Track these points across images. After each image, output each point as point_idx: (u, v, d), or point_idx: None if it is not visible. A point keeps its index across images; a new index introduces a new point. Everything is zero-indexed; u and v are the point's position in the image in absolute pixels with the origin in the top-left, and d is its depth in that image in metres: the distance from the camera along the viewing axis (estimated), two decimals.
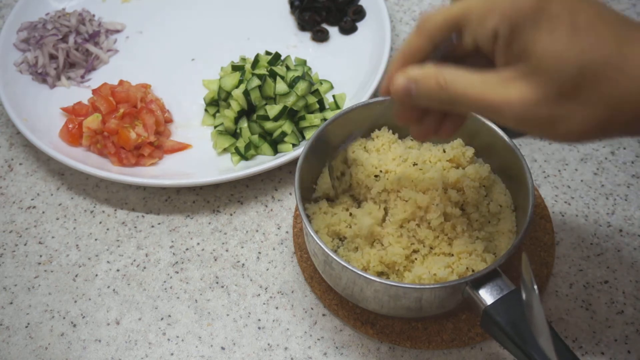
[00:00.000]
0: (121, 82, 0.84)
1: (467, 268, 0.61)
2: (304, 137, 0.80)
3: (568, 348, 0.53)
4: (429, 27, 0.46)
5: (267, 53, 0.86)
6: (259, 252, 0.73)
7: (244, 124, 0.80)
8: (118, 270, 0.72)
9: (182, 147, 0.81)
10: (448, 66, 0.46)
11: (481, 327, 0.57)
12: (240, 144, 0.79)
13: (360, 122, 0.70)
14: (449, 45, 0.48)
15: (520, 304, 0.52)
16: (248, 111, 0.80)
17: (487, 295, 0.55)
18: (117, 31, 0.94)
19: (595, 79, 0.41)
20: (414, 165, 0.67)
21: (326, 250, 0.58)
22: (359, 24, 0.93)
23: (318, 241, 0.59)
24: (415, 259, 0.63)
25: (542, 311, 0.49)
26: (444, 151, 0.69)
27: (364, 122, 0.67)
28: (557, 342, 0.52)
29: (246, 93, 0.78)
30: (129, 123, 0.79)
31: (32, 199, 0.78)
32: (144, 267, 0.72)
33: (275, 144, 0.79)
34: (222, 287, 0.70)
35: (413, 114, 0.51)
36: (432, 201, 0.63)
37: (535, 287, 0.49)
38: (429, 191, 0.64)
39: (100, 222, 0.76)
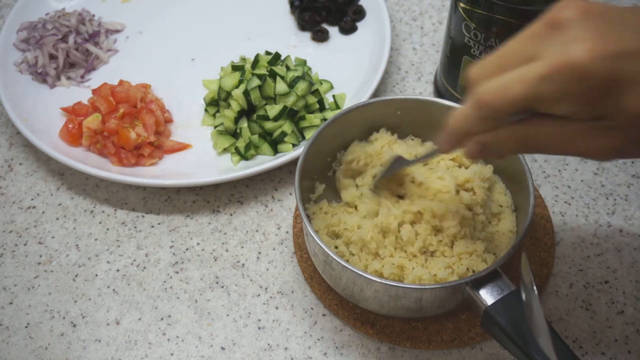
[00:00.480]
0: (121, 82, 0.84)
1: (467, 269, 0.61)
2: (304, 137, 0.80)
3: (568, 348, 0.52)
4: (494, 115, 0.44)
5: (267, 53, 0.86)
6: (259, 252, 0.73)
7: (244, 124, 0.80)
8: (118, 270, 0.72)
9: (182, 147, 0.81)
10: (520, 124, 0.45)
11: (481, 327, 0.57)
12: (240, 144, 0.79)
13: (360, 122, 0.70)
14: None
15: (520, 305, 0.52)
16: (248, 111, 0.80)
17: (487, 296, 0.55)
18: (117, 31, 0.94)
19: None
20: (424, 165, 0.66)
21: (326, 250, 0.58)
22: (359, 24, 0.93)
23: (318, 241, 0.59)
24: (416, 263, 0.63)
25: (542, 311, 0.49)
26: None
27: (365, 123, 0.67)
28: (557, 342, 0.52)
29: (246, 93, 0.78)
30: (129, 123, 0.79)
31: (32, 199, 0.78)
32: (144, 267, 0.72)
33: (275, 144, 0.79)
34: (222, 287, 0.70)
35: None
36: (448, 209, 0.62)
37: (535, 287, 0.49)
38: (440, 193, 0.63)
39: (100, 222, 0.76)
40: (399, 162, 0.64)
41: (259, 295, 0.70)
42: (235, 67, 0.82)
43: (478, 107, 0.44)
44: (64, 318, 0.69)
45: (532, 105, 0.42)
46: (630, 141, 0.43)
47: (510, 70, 0.43)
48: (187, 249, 0.73)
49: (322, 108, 0.82)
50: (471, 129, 0.46)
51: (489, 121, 0.45)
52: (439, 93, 0.84)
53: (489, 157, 0.49)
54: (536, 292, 0.49)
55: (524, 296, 0.51)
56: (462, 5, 0.70)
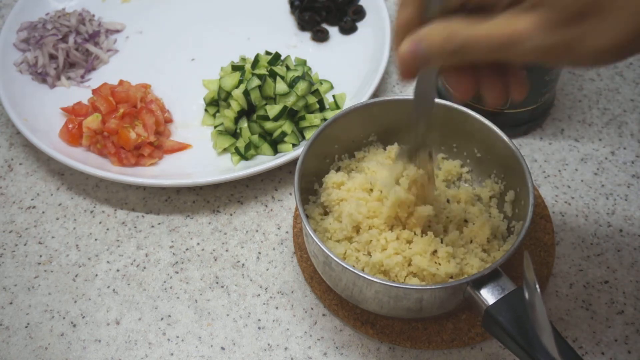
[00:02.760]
0: (121, 82, 0.84)
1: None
2: (304, 137, 0.80)
3: (570, 347, 0.52)
4: (470, 53, 0.44)
5: (267, 53, 0.86)
6: (259, 252, 0.73)
7: (244, 124, 0.80)
8: (118, 270, 0.72)
9: (182, 147, 0.81)
10: (450, 18, 0.45)
11: (483, 327, 0.57)
12: (240, 144, 0.79)
13: (360, 122, 0.70)
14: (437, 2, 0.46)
15: (522, 304, 0.52)
16: (248, 111, 0.80)
17: (488, 295, 0.55)
18: (117, 31, 0.94)
19: None
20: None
21: (326, 251, 0.58)
22: (359, 24, 0.93)
23: (318, 242, 0.59)
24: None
25: (545, 310, 0.49)
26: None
27: (365, 123, 0.67)
28: (559, 340, 0.52)
29: (246, 93, 0.78)
30: (129, 123, 0.79)
31: (32, 199, 0.78)
32: (144, 267, 0.72)
33: (275, 144, 0.79)
34: (222, 287, 0.70)
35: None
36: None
37: (537, 286, 0.49)
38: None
39: (100, 222, 0.76)
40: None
41: (259, 295, 0.70)
42: (235, 67, 0.82)
43: None
44: (64, 318, 0.69)
45: None
46: (550, 19, 0.40)
47: None
48: (187, 249, 0.73)
49: (322, 108, 0.82)
50: (398, 21, 0.47)
51: (407, 4, 0.46)
52: (438, 93, 0.84)
53: (422, 65, 0.47)
54: (539, 290, 0.49)
55: (526, 295, 0.51)
56: None
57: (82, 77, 0.88)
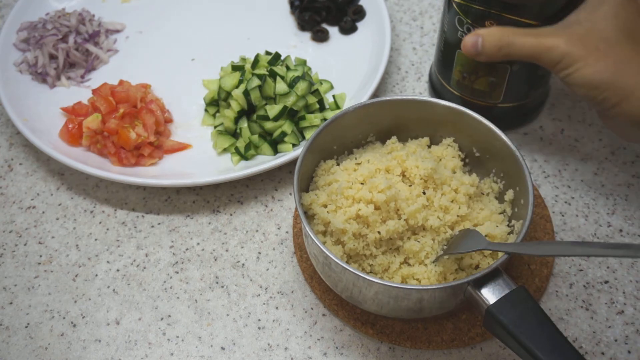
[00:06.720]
0: (121, 82, 0.84)
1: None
2: (304, 137, 0.80)
3: (572, 346, 0.52)
4: (512, 53, 0.66)
5: (267, 53, 0.86)
6: (259, 252, 0.73)
7: (244, 124, 0.80)
8: (118, 270, 0.72)
9: (182, 147, 0.81)
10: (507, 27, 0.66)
11: (484, 326, 0.57)
12: (240, 144, 0.79)
13: (360, 122, 0.70)
14: None
15: (523, 302, 0.52)
16: (248, 111, 0.80)
17: (489, 295, 0.55)
18: (117, 31, 0.94)
19: None
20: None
21: (326, 251, 0.58)
22: (359, 24, 0.93)
23: (317, 243, 0.59)
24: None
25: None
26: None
27: (364, 123, 0.67)
28: (560, 340, 0.52)
29: (246, 93, 0.78)
30: (129, 123, 0.79)
31: (32, 199, 0.78)
32: (144, 267, 0.72)
33: (275, 144, 0.79)
34: (222, 287, 0.70)
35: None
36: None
37: None
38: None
39: (100, 222, 0.76)
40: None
41: (259, 295, 0.70)
42: (235, 67, 0.82)
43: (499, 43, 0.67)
44: (64, 318, 0.69)
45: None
46: (568, 40, 0.65)
47: None
48: (187, 249, 0.73)
49: (322, 108, 0.82)
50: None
51: (499, 55, 0.67)
52: (433, 88, 0.84)
53: (478, 55, 0.68)
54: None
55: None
56: (456, 0, 0.71)
57: (82, 77, 0.88)
